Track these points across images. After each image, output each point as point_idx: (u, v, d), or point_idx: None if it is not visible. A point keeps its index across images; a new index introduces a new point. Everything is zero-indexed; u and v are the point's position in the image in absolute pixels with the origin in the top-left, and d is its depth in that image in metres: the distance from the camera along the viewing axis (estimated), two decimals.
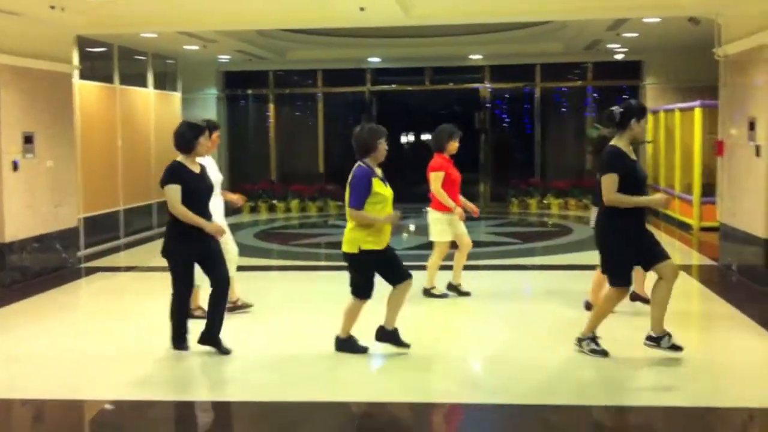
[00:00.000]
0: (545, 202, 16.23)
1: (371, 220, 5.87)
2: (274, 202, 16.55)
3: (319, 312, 7.47)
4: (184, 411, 5.36)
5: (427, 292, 8.10)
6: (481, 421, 5.10)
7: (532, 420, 4.96)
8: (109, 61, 12.46)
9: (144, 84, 13.63)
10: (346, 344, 6.17)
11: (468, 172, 16.81)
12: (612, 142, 5.87)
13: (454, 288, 8.19)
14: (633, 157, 5.85)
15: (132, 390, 5.55)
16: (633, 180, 5.74)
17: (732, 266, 9.22)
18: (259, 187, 16.63)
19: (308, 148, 17.33)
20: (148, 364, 6.14)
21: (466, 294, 8.16)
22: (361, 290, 6.00)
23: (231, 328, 6.50)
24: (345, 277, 6.16)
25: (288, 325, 7.28)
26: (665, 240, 12.09)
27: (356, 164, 6.04)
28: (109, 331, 7.16)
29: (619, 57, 16.15)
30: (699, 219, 12.46)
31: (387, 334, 6.15)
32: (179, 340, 6.27)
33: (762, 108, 8.35)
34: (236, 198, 7.61)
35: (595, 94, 17.04)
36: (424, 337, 6.68)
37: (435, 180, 7.84)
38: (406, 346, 6.16)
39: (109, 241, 12.05)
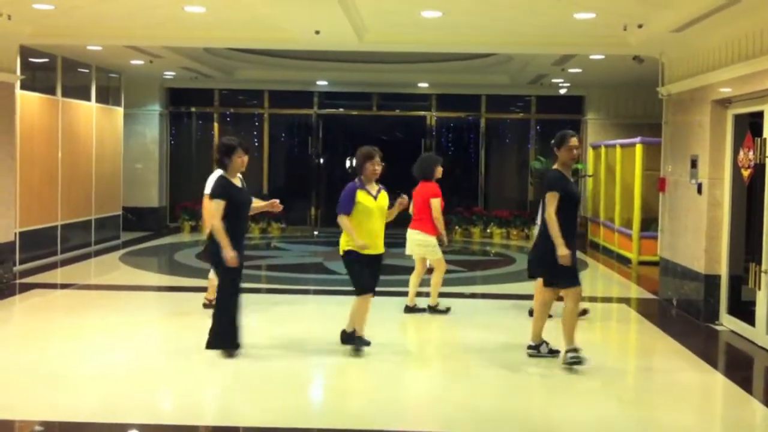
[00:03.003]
0: (488, 231, 16.39)
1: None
2: None
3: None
4: None
5: (433, 309, 8.65)
6: None
7: None
8: (52, 72, 12.16)
9: (86, 97, 13.34)
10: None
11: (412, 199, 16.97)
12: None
13: (433, 309, 8.66)
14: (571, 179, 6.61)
15: (63, 411, 5.38)
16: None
17: (672, 300, 9.43)
18: (201, 207, 16.31)
19: (252, 169, 17.14)
20: (79, 384, 6.00)
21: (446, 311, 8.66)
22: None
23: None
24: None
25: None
26: (604, 272, 12.35)
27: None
28: (42, 350, 6.93)
29: (562, 91, 16.51)
30: (638, 253, 12.74)
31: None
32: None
33: (704, 146, 8.60)
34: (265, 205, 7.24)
35: (538, 127, 17.34)
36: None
37: (438, 206, 8.36)
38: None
39: (45, 257, 11.70)
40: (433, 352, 7.49)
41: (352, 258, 6.74)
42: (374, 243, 6.76)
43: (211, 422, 5.42)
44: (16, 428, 5.20)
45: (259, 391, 5.96)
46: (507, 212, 16.58)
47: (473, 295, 10.32)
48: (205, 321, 7.94)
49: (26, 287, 9.89)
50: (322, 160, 17.68)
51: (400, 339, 7.93)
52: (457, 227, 16.47)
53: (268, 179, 17.32)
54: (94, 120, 13.49)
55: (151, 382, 6.11)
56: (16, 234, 10.54)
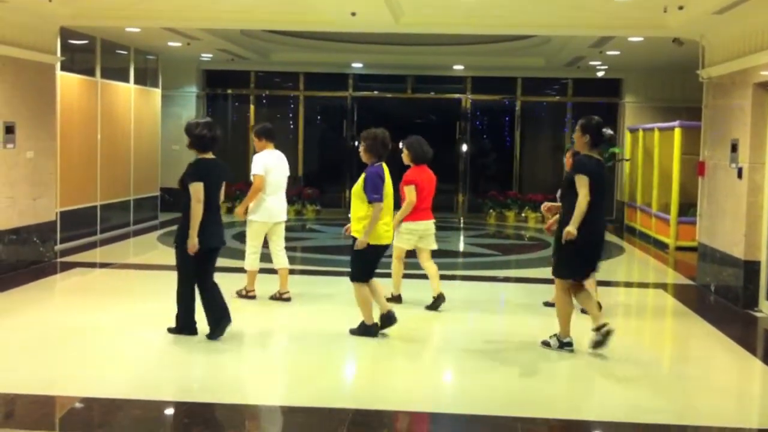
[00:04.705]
0: (523, 215, 16.30)
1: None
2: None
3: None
4: (156, 410, 5.26)
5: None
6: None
7: None
8: (92, 54, 12.29)
9: (125, 79, 13.48)
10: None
11: (447, 183, 16.96)
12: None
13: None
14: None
15: (105, 388, 5.49)
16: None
17: (710, 286, 9.33)
18: (236, 188, 16.43)
19: (287, 151, 17.10)
20: (119, 362, 6.11)
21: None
22: None
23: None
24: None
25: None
26: (641, 258, 12.25)
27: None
28: (83, 328, 7.06)
29: (599, 74, 16.33)
30: (675, 238, 12.59)
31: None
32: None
33: (745, 131, 8.47)
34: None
35: (574, 110, 17.16)
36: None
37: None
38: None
39: (85, 236, 11.89)
40: (458, 337, 7.48)
41: None
42: None
43: (244, 401, 5.49)
44: (57, 404, 5.32)
45: (290, 371, 6.03)
46: (542, 196, 16.44)
47: (506, 279, 10.32)
48: (237, 302, 8.01)
49: (67, 266, 10.08)
50: (356, 143, 17.69)
51: (424, 322, 7.94)
52: (491, 211, 16.40)
53: (303, 162, 17.39)
54: (132, 101, 13.64)
55: (187, 361, 6.20)
56: (57, 214, 10.73)
